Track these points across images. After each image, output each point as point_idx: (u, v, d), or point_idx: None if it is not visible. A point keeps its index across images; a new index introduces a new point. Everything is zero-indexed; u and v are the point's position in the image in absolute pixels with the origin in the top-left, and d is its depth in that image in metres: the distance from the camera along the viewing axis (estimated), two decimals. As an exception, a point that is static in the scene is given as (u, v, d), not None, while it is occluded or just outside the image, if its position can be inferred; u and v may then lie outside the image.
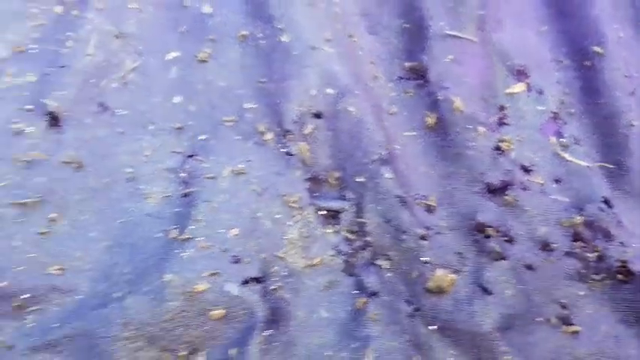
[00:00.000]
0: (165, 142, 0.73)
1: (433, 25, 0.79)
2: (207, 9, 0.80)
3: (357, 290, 0.65)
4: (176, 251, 0.63)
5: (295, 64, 0.74)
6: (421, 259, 0.66)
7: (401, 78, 0.79)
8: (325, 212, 0.69)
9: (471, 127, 0.73)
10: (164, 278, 0.61)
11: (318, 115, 0.73)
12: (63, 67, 0.73)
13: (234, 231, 0.65)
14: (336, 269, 0.66)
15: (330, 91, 0.73)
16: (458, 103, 0.74)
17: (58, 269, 0.63)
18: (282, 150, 0.72)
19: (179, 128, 0.74)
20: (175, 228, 0.65)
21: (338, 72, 0.74)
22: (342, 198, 0.70)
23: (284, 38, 0.76)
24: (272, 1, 0.77)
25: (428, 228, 0.68)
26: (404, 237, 0.67)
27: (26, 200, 0.65)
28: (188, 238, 0.64)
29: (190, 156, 0.72)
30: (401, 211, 0.67)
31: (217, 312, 0.61)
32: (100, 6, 0.77)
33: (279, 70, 0.75)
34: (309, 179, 0.71)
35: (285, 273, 0.65)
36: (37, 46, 0.76)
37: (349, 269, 0.67)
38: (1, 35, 0.76)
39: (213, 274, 0.62)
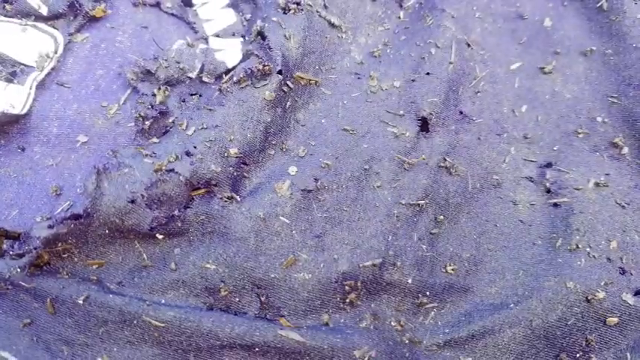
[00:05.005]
0: (519, 149, 0.76)
1: None
2: (547, 22, 0.82)
3: None
4: (568, 259, 0.67)
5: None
6: None
7: None
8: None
9: None
10: (567, 285, 0.65)
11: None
12: (429, 74, 0.77)
13: (614, 243, 0.68)
14: None
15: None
16: None
17: (452, 269, 0.69)
18: (641, 165, 0.74)
19: (529, 137, 0.77)
20: (555, 236, 0.69)
21: None
22: None
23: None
24: (627, 21, 0.79)
25: None
26: None
27: (420, 202, 0.70)
28: (577, 248, 0.68)
29: (547, 165, 0.75)
30: None
31: (612, 319, 0.65)
32: (454, 14, 0.81)
33: (636, 87, 0.76)
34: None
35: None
36: (393, 52, 0.80)
37: None
38: (355, 39, 0.81)
39: (607, 284, 0.66)
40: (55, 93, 0.72)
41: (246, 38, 0.78)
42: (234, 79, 0.69)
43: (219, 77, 0.75)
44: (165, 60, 0.72)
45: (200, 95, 0.73)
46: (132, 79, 0.71)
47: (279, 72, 0.70)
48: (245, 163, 0.67)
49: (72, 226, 0.57)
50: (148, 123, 0.67)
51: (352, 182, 0.68)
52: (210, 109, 0.67)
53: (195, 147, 0.63)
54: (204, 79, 0.74)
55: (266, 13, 0.77)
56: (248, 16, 0.81)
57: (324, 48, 0.78)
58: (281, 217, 0.64)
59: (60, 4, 0.76)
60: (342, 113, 0.74)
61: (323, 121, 0.73)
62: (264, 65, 0.70)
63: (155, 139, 0.65)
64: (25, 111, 0.70)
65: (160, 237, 0.62)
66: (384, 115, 0.74)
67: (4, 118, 0.69)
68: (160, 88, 0.71)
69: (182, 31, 0.79)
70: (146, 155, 0.62)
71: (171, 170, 0.61)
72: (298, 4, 0.76)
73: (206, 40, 0.78)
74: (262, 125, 0.68)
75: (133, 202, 0.59)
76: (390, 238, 0.67)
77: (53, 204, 0.63)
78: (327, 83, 0.76)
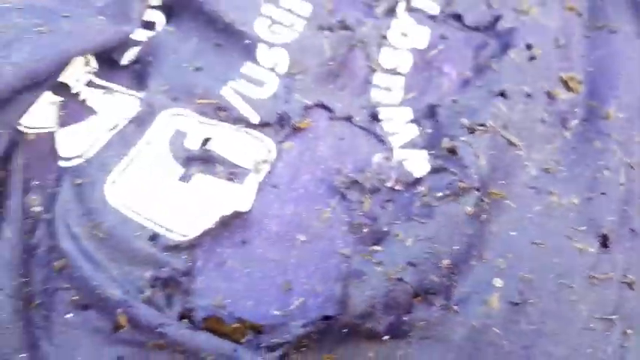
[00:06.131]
0: None
1: None
2: None
3: None
4: None
5: None
6: None
7: None
8: None
9: None
10: None
11: None
12: (604, 193, 0.83)
13: None
14: None
15: None
16: None
17: None
18: None
19: None
20: None
21: None
22: None
23: None
24: None
25: None
26: None
27: (611, 317, 0.74)
28: None
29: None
30: None
31: None
32: (619, 139, 0.87)
33: None
34: None
35: None
36: (566, 169, 0.87)
37: None
38: (529, 155, 0.88)
39: None
40: (271, 194, 0.81)
41: (431, 152, 0.86)
42: (439, 194, 0.76)
43: (409, 185, 0.83)
44: (370, 172, 0.81)
45: (393, 202, 0.81)
46: (340, 187, 0.80)
47: (477, 189, 0.77)
48: (454, 273, 0.73)
49: (321, 326, 0.64)
50: (364, 230, 0.75)
51: (552, 296, 0.73)
52: (422, 222, 0.74)
53: (416, 258, 0.70)
54: (396, 187, 0.82)
55: (452, 131, 0.86)
56: (428, 130, 0.90)
57: (505, 164, 0.85)
58: (493, 328, 0.69)
59: (271, 116, 0.87)
60: (530, 227, 0.80)
61: (513, 233, 0.79)
62: (461, 181, 0.77)
63: (377, 247, 0.72)
64: (246, 209, 0.79)
65: (386, 338, 0.68)
66: (568, 230, 0.80)
67: (231, 215, 0.78)
68: (366, 196, 0.79)
69: (371, 142, 0.88)
70: (374, 263, 0.69)
71: (400, 279, 0.68)
72: (483, 125, 0.85)
73: (392, 151, 0.87)
74: (465, 237, 0.75)
75: (372, 307, 0.66)
76: (590, 351, 0.70)
77: (285, 299, 0.70)
78: (511, 197, 0.83)
